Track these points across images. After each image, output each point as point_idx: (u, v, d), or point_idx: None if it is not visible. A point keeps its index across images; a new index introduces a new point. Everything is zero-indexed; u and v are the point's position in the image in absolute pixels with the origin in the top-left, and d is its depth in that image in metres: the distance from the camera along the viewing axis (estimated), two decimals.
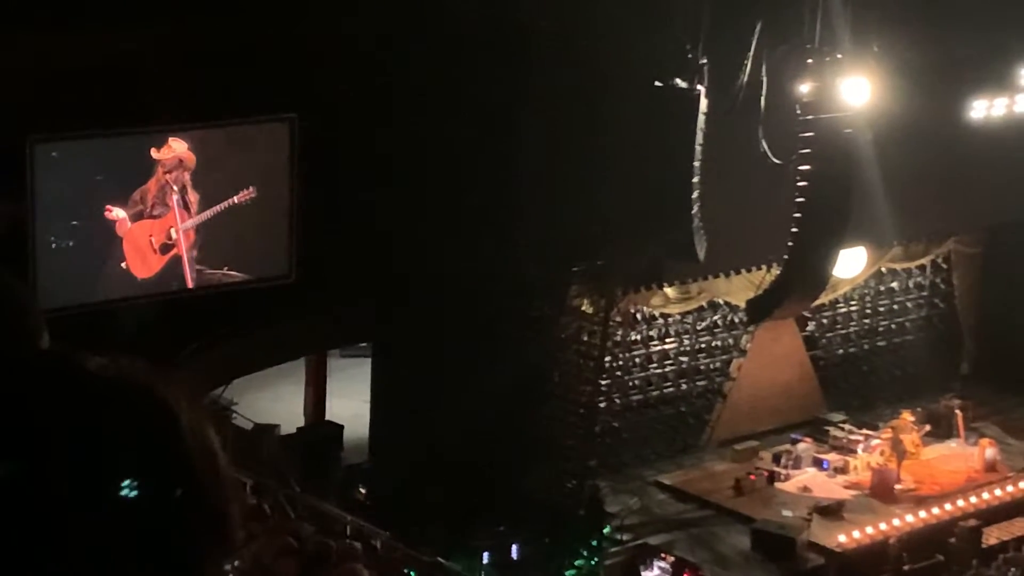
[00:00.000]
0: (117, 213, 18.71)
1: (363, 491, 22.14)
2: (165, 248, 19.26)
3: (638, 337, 24.89)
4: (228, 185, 19.48)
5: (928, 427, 25.38)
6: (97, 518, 1.82)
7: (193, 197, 19.35)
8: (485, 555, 20.54)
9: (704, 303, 25.29)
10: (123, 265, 18.93)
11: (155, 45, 18.03)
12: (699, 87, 20.65)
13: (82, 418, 1.85)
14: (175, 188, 19.12)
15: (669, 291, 24.53)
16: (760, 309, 23.65)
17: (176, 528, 1.86)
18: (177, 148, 19.01)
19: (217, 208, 19.43)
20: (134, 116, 18.35)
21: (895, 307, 28.50)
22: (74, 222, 18.54)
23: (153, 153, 18.87)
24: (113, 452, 1.85)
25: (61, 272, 18.02)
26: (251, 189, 19.46)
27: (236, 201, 19.45)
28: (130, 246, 18.98)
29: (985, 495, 23.99)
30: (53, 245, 18.39)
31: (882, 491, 23.92)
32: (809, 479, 24.40)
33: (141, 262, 19.10)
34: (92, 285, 18.53)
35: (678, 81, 20.75)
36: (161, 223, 19.16)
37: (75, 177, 18.46)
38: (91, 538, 1.82)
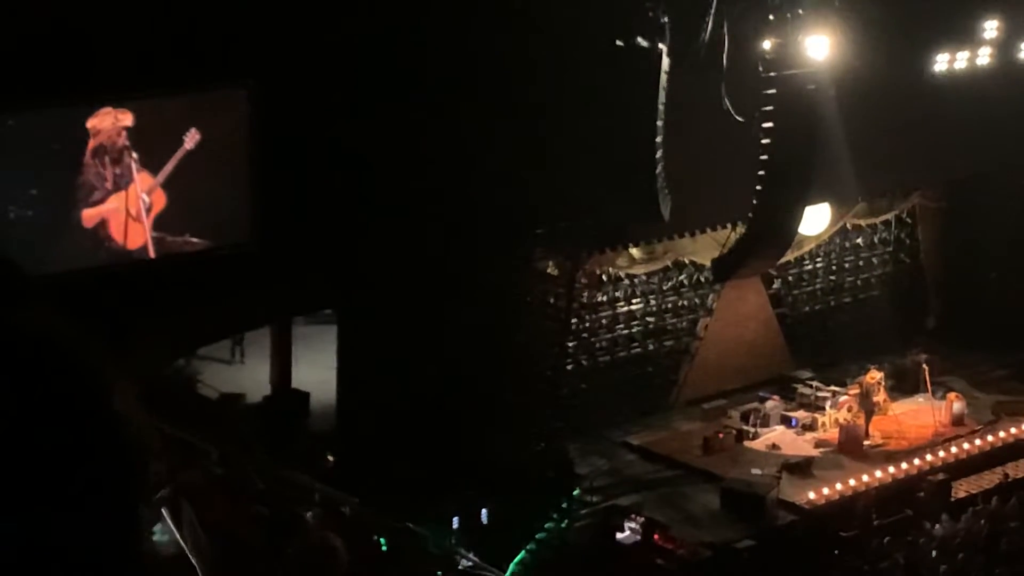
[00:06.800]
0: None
1: (331, 458, 22.03)
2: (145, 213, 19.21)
3: (604, 298, 24.83)
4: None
5: (894, 382, 25.42)
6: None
7: (150, 162, 19.18)
8: (455, 520, 20.48)
9: (670, 263, 25.25)
10: (103, 235, 18.82)
11: (107, 10, 17.77)
12: (661, 46, 20.52)
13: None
14: (134, 155, 18.95)
15: (634, 251, 24.46)
16: (726, 267, 23.58)
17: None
18: (127, 116, 18.81)
19: (176, 159, 19.20)
20: (90, 84, 18.11)
21: (860, 263, 28.52)
22: (32, 191, 18.33)
23: (104, 121, 18.65)
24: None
25: (20, 242, 17.77)
26: (194, 131, 19.22)
27: (188, 147, 19.23)
28: (114, 222, 18.87)
29: (953, 449, 24.08)
30: (12, 215, 18.18)
31: (850, 447, 23.98)
32: (777, 437, 24.44)
33: (128, 234, 18.99)
34: (53, 255, 18.28)
35: (640, 40, 20.60)
36: (129, 192, 19.01)
37: (33, 146, 18.24)
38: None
